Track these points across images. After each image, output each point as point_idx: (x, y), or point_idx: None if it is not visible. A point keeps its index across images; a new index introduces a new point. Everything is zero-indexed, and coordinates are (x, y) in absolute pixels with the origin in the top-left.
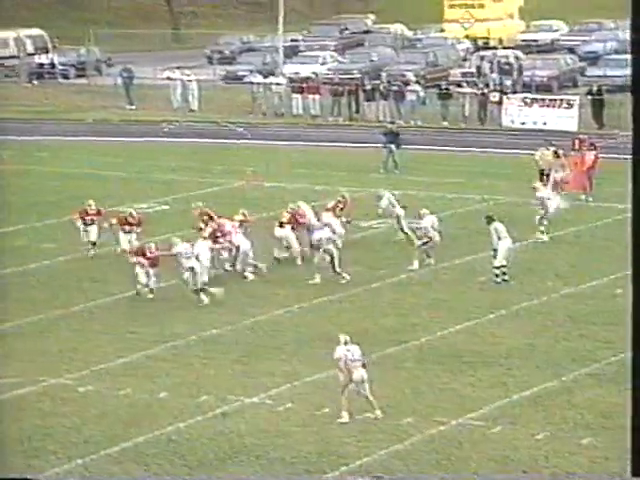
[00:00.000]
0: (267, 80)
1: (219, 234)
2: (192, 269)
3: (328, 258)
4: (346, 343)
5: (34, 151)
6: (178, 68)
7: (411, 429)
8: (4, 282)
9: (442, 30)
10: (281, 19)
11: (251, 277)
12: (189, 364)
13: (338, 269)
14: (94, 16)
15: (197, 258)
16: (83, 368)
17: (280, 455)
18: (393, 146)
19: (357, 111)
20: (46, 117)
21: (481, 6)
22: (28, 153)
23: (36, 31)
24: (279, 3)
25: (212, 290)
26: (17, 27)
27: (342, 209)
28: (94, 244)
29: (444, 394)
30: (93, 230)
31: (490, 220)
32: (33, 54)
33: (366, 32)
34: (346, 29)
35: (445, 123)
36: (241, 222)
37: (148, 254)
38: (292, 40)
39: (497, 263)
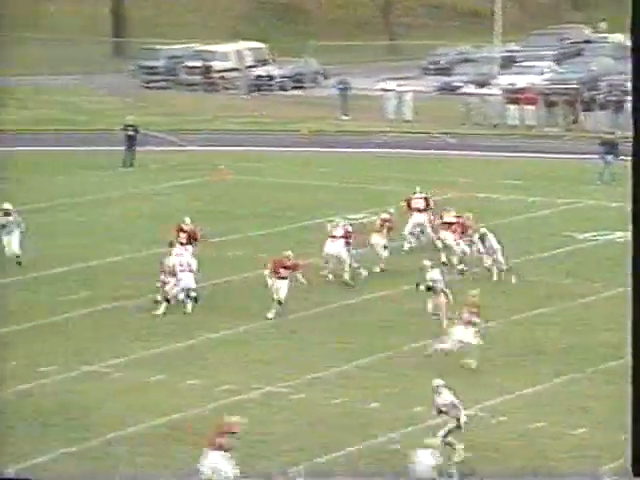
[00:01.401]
0: (481, 91)
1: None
2: (164, 283)
3: (444, 299)
4: (446, 387)
5: (251, 162)
6: (393, 79)
7: (628, 445)
8: (223, 289)
9: None
10: (498, 30)
11: (365, 273)
12: (401, 374)
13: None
14: (312, 29)
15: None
16: (296, 376)
17: (494, 470)
18: (610, 157)
19: (575, 121)
20: (263, 128)
21: None
22: (246, 164)
23: (256, 44)
24: (497, 14)
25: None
26: (239, 40)
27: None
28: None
29: None
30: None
31: None
32: (252, 66)
33: (586, 42)
34: (565, 39)
35: None
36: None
37: None
38: (508, 51)
39: None
